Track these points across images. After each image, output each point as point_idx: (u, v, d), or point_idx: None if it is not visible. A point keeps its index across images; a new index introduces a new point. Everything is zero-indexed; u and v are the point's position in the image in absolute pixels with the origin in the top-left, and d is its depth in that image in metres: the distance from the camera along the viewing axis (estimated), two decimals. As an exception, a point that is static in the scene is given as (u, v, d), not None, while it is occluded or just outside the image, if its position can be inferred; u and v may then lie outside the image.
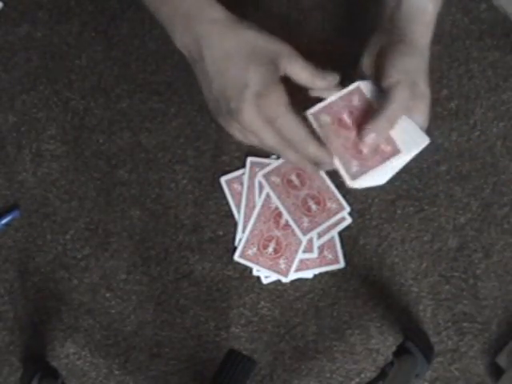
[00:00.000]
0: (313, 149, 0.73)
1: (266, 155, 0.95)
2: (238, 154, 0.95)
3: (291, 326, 0.93)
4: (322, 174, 0.94)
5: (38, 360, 0.90)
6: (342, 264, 0.94)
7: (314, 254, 0.93)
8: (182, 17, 0.73)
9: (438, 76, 0.97)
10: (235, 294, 0.93)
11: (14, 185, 0.94)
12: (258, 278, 0.94)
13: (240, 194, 0.94)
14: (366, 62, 0.80)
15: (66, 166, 0.95)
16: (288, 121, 0.72)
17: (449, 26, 0.98)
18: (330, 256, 0.94)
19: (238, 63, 0.71)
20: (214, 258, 0.94)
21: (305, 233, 0.92)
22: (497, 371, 0.92)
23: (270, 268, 0.93)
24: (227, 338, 0.93)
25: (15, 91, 0.96)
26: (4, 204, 0.94)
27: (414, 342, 0.87)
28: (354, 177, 0.75)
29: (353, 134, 0.76)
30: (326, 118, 0.77)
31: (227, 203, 0.94)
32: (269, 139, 0.73)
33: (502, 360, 0.92)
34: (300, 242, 0.92)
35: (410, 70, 0.76)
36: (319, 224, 0.93)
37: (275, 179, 0.94)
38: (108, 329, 0.92)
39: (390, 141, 0.75)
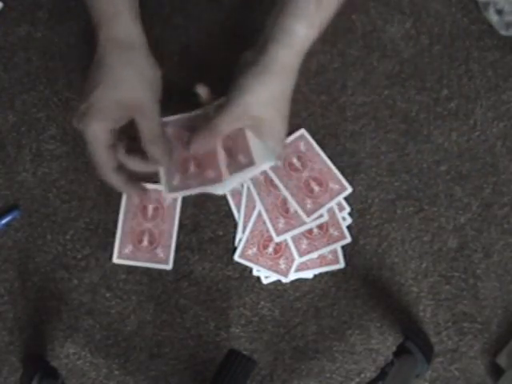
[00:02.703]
0: (119, 188, 0.82)
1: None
2: (238, 154, 0.95)
3: (291, 326, 0.93)
4: (324, 156, 0.95)
5: (38, 360, 0.90)
6: (341, 264, 0.94)
7: (315, 255, 0.93)
8: (94, 16, 0.81)
9: (438, 76, 0.97)
10: (235, 294, 0.93)
11: (13, 185, 0.94)
12: (258, 278, 0.94)
13: (240, 194, 0.94)
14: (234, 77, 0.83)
15: (66, 166, 0.95)
16: (97, 153, 0.79)
17: (449, 26, 0.98)
18: (330, 256, 0.94)
19: (100, 79, 0.79)
20: (214, 258, 0.94)
21: (309, 215, 0.92)
22: (497, 371, 0.92)
23: (270, 268, 0.93)
24: (227, 338, 0.93)
25: (15, 91, 0.95)
26: (4, 204, 0.94)
27: (414, 342, 0.87)
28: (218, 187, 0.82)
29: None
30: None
31: (227, 203, 0.94)
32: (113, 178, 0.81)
33: (502, 360, 0.92)
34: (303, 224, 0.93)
35: (256, 90, 0.79)
36: (322, 205, 0.93)
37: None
38: (108, 329, 0.92)
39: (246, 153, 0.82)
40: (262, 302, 0.93)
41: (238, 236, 0.94)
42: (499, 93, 0.97)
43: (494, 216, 0.95)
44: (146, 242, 0.92)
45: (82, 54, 0.97)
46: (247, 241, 0.93)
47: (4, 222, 0.92)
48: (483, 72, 0.98)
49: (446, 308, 0.94)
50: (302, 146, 0.95)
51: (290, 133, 0.96)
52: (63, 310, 0.92)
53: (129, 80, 0.79)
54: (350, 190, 0.94)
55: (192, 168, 0.84)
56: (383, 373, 0.84)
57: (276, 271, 0.93)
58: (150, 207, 0.93)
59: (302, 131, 0.95)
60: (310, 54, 0.98)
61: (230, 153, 0.83)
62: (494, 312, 0.94)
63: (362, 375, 0.93)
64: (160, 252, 0.92)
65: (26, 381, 0.85)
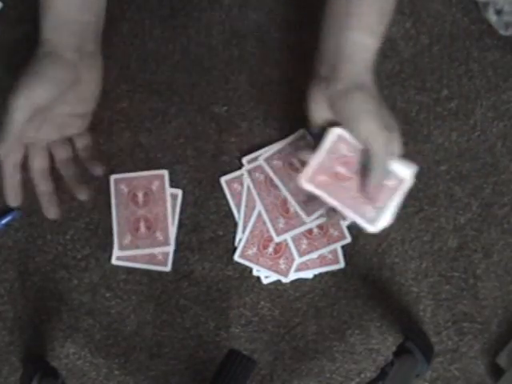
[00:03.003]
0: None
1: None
2: (238, 154, 0.95)
3: (291, 326, 0.93)
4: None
5: (38, 360, 0.90)
6: (341, 264, 0.94)
7: (315, 255, 0.93)
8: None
9: (438, 76, 0.97)
10: (235, 294, 0.93)
11: (13, 185, 0.94)
12: (258, 278, 0.94)
13: (240, 194, 0.94)
14: (316, 117, 0.81)
15: (66, 166, 0.94)
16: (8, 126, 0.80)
17: (449, 26, 0.98)
18: (330, 256, 0.94)
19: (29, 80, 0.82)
20: (214, 258, 0.94)
21: (309, 214, 0.92)
22: (497, 371, 0.92)
23: (270, 268, 0.93)
24: (227, 338, 0.93)
25: (15, 91, 0.95)
26: (4, 204, 0.93)
27: (414, 342, 0.87)
28: (373, 221, 0.78)
29: (353, 182, 0.78)
30: (323, 178, 0.78)
31: (227, 203, 0.94)
32: None
33: (502, 360, 0.92)
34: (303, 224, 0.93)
35: (374, 113, 0.76)
36: (322, 205, 0.93)
37: (277, 163, 0.94)
38: (108, 329, 0.92)
39: (392, 175, 0.78)
40: (262, 302, 0.93)
41: (238, 236, 0.94)
42: (499, 93, 0.97)
43: (494, 216, 0.95)
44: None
45: (82, 53, 0.97)
46: (247, 241, 0.93)
47: (4, 221, 0.92)
48: (483, 72, 0.98)
49: (446, 308, 0.94)
50: (302, 145, 0.95)
51: (290, 132, 0.96)
52: (63, 310, 0.92)
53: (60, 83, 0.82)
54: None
55: (142, 228, 0.90)
56: (383, 373, 0.84)
57: (276, 271, 0.93)
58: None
59: (302, 131, 0.95)
60: (310, 54, 0.98)
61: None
62: (494, 312, 0.94)
63: (362, 375, 0.93)
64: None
65: (26, 381, 0.85)
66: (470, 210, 0.95)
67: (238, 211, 0.94)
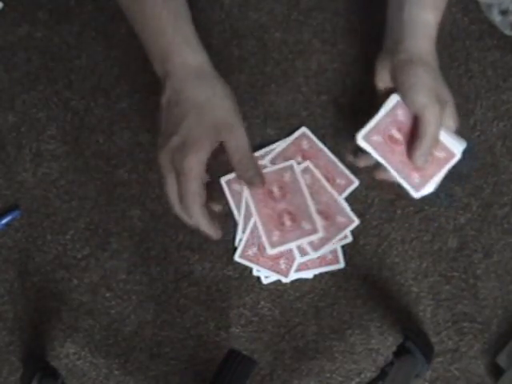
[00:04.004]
0: (203, 225, 0.79)
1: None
2: (238, 154, 0.95)
3: (291, 326, 0.93)
4: (327, 152, 0.95)
5: (38, 360, 0.90)
6: (341, 264, 0.94)
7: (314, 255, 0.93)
8: (160, 49, 0.79)
9: (438, 76, 0.97)
10: (235, 294, 0.93)
11: (14, 185, 0.94)
12: (258, 278, 0.94)
13: (240, 194, 0.94)
14: (381, 84, 0.85)
15: (66, 166, 0.95)
16: (192, 185, 0.76)
17: (449, 26, 0.98)
18: (330, 256, 0.94)
19: (183, 110, 0.78)
20: (214, 258, 0.94)
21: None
22: (497, 371, 0.92)
23: (270, 268, 0.93)
24: (227, 338, 0.93)
25: (15, 91, 0.96)
26: (4, 204, 0.94)
27: (414, 342, 0.87)
28: (417, 188, 0.82)
29: (405, 147, 0.82)
30: (377, 138, 0.82)
31: (227, 203, 0.94)
32: (169, 187, 0.78)
33: (502, 360, 0.92)
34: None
35: (430, 86, 0.80)
36: (336, 199, 0.94)
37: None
38: (108, 329, 0.92)
39: (442, 147, 0.82)
40: (262, 302, 0.93)
41: (238, 236, 0.94)
42: (499, 93, 0.97)
43: (494, 216, 0.95)
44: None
45: (82, 53, 0.97)
46: (247, 241, 0.93)
47: (4, 222, 0.92)
48: (483, 72, 0.98)
49: (446, 308, 0.94)
50: (305, 145, 0.95)
51: (290, 132, 0.96)
52: (63, 310, 0.92)
53: (212, 102, 0.78)
54: (356, 183, 0.94)
55: (287, 221, 0.89)
56: (383, 373, 0.84)
57: (276, 271, 0.93)
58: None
59: (304, 129, 0.95)
60: (310, 54, 0.98)
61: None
62: (494, 312, 0.94)
63: (362, 375, 0.93)
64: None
65: (26, 381, 0.85)
66: (469, 210, 0.95)
67: (238, 211, 0.94)
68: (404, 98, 0.81)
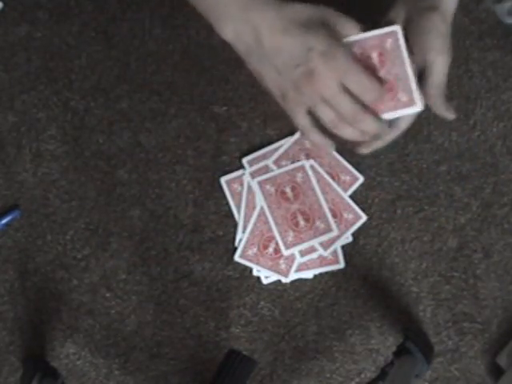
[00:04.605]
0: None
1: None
2: (238, 154, 0.95)
3: (291, 326, 0.93)
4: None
5: (38, 360, 0.90)
6: (341, 264, 0.94)
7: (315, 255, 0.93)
8: (236, 7, 0.76)
9: (438, 76, 0.97)
10: (235, 294, 0.93)
11: (14, 185, 0.94)
12: (258, 278, 0.94)
13: (240, 194, 0.94)
14: (392, 15, 0.82)
15: (66, 166, 0.95)
16: (358, 73, 0.73)
17: (449, 26, 0.98)
18: (330, 256, 0.94)
19: (296, 34, 0.74)
20: (214, 258, 0.94)
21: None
22: (497, 371, 0.92)
23: (270, 268, 0.93)
24: (227, 338, 0.93)
25: (15, 91, 0.96)
26: (4, 204, 0.94)
27: (414, 342, 0.87)
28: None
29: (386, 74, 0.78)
30: (368, 50, 0.78)
31: (227, 203, 0.94)
32: (344, 103, 0.74)
33: (502, 360, 0.92)
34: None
35: (445, 36, 0.80)
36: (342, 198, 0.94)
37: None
38: (108, 329, 0.92)
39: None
40: (262, 302, 0.93)
41: (238, 236, 0.94)
42: (499, 93, 0.97)
43: (494, 216, 0.95)
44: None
45: (82, 53, 0.97)
46: (247, 241, 0.93)
47: (4, 222, 0.92)
48: (483, 72, 0.98)
49: (446, 308, 0.94)
50: (308, 143, 0.95)
51: (291, 132, 0.96)
52: (63, 310, 0.92)
53: (298, 11, 0.76)
54: (361, 179, 0.94)
55: (301, 221, 0.90)
56: (383, 373, 0.84)
57: (276, 271, 0.93)
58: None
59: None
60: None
61: None
62: (494, 312, 0.94)
63: (362, 375, 0.93)
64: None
65: (26, 381, 0.85)
66: (470, 210, 0.95)
67: (238, 211, 0.94)
68: (417, 41, 0.80)
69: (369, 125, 0.76)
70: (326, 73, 0.74)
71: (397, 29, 0.82)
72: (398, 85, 0.80)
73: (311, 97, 0.76)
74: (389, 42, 0.81)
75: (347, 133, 0.77)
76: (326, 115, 0.76)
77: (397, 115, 0.78)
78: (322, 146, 0.78)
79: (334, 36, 0.75)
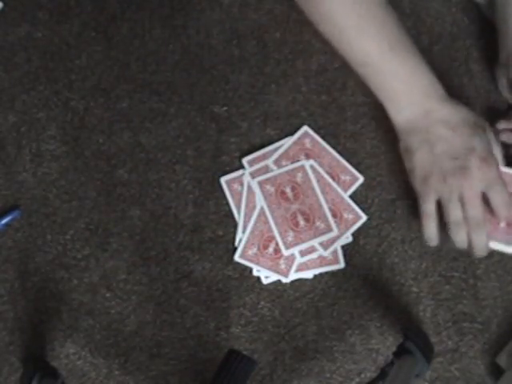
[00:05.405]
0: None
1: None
2: (238, 154, 0.95)
3: (291, 326, 0.93)
4: (330, 149, 0.95)
5: (38, 360, 0.90)
6: (341, 264, 0.94)
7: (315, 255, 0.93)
8: (418, 93, 0.86)
9: (438, 76, 0.97)
10: (235, 294, 0.93)
11: (13, 185, 0.94)
12: (258, 278, 0.94)
13: (240, 194, 0.94)
14: (504, 92, 0.94)
15: (66, 166, 0.95)
16: (503, 187, 0.82)
17: (449, 26, 0.98)
18: (330, 256, 0.94)
19: (464, 132, 0.84)
20: (214, 258, 0.94)
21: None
22: (497, 371, 0.92)
23: (270, 268, 0.93)
24: (227, 338, 0.93)
25: (15, 91, 0.96)
26: (4, 204, 0.94)
27: (414, 342, 0.87)
28: None
29: None
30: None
31: (227, 203, 0.94)
32: (478, 208, 0.82)
33: (502, 360, 0.92)
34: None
35: None
36: (343, 198, 0.94)
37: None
38: (108, 329, 0.92)
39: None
40: (262, 302, 0.93)
41: (238, 236, 0.94)
42: (499, 93, 0.97)
43: (494, 216, 0.95)
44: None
45: (82, 53, 0.97)
46: (247, 241, 0.93)
47: (4, 221, 0.92)
48: (483, 72, 0.98)
49: (446, 308, 0.94)
50: (308, 143, 0.95)
51: (291, 132, 0.96)
52: (63, 310, 0.92)
53: (468, 113, 0.87)
54: (361, 179, 0.94)
55: (301, 221, 0.90)
56: (383, 373, 0.84)
57: (276, 271, 0.93)
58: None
59: (306, 128, 0.95)
60: (310, 54, 0.98)
61: None
62: (493, 312, 0.94)
63: (362, 375, 0.93)
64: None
65: (26, 381, 0.85)
66: (470, 210, 0.95)
67: (238, 211, 0.94)
68: None
69: (481, 240, 0.83)
70: (478, 175, 0.82)
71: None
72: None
73: (452, 190, 0.83)
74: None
75: (460, 236, 0.84)
76: (455, 212, 0.83)
77: (499, 248, 0.87)
78: (427, 236, 0.86)
79: (490, 144, 0.85)
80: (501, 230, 0.86)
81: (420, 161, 0.86)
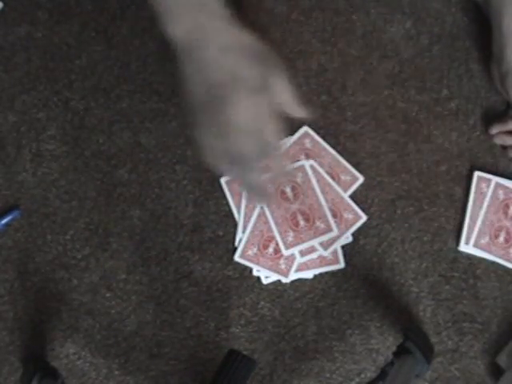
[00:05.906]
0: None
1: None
2: (238, 154, 0.95)
3: (291, 326, 0.93)
4: (330, 149, 0.95)
5: (38, 360, 0.90)
6: (341, 264, 0.94)
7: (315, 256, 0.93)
8: (191, 5, 0.72)
9: (438, 76, 0.97)
10: (235, 294, 0.93)
11: (13, 185, 0.94)
12: (258, 278, 0.94)
13: (240, 194, 0.94)
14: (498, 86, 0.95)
15: (66, 166, 0.95)
16: (272, 124, 0.70)
17: (449, 26, 0.98)
18: (330, 256, 0.94)
19: (239, 57, 0.72)
20: (214, 258, 0.94)
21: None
22: (497, 371, 0.92)
23: (270, 268, 0.93)
24: (227, 338, 0.93)
25: (15, 91, 0.96)
26: (4, 204, 0.94)
27: (414, 342, 0.87)
28: None
29: None
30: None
31: (227, 203, 0.94)
32: (247, 141, 0.70)
33: (502, 360, 0.92)
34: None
35: None
36: (342, 197, 0.94)
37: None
38: (108, 329, 0.92)
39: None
40: (262, 302, 0.93)
41: (238, 236, 0.94)
42: (499, 93, 0.97)
43: (494, 216, 0.95)
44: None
45: (82, 53, 0.97)
46: (247, 241, 0.93)
47: (4, 221, 0.92)
48: (483, 72, 0.98)
49: (446, 308, 0.94)
50: (308, 143, 0.95)
51: (291, 132, 0.96)
52: (63, 310, 0.92)
53: (249, 39, 0.76)
54: (361, 179, 0.94)
55: (301, 221, 0.90)
56: (383, 373, 0.84)
57: (276, 271, 0.93)
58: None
59: (306, 128, 0.95)
60: (310, 54, 0.98)
61: None
62: (493, 312, 0.94)
63: (362, 375, 0.93)
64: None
65: (26, 381, 0.85)
66: (470, 210, 0.95)
67: (238, 211, 0.94)
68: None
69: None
70: (247, 107, 0.70)
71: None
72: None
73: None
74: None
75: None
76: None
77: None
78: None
79: (269, 77, 0.72)
80: (498, 245, 0.88)
81: (191, 88, 0.72)
